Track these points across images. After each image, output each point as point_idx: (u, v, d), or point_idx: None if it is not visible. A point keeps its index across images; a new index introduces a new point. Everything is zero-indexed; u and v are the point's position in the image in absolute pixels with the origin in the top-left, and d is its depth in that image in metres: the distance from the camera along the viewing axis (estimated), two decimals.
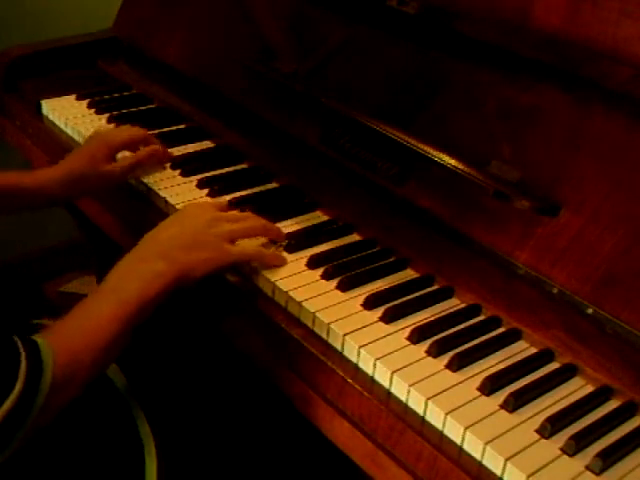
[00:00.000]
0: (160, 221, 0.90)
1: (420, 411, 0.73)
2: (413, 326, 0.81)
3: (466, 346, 0.79)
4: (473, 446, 0.69)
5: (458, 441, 0.70)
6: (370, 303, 0.84)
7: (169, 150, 1.16)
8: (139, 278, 0.80)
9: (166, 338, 1.04)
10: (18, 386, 0.67)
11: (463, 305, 0.86)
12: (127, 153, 1.11)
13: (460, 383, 0.75)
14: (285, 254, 0.91)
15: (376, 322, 0.82)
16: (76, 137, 1.23)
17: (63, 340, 0.74)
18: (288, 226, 0.98)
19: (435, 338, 0.79)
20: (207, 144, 1.21)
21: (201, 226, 0.87)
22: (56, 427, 0.82)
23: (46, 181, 1.04)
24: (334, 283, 0.87)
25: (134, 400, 0.89)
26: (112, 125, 1.25)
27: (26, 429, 0.69)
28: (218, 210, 0.92)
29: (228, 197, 1.04)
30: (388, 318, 0.82)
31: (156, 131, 1.23)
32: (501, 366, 0.77)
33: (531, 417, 0.71)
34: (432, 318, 0.83)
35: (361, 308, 0.83)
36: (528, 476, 0.65)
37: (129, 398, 0.89)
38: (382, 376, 0.76)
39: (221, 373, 1.01)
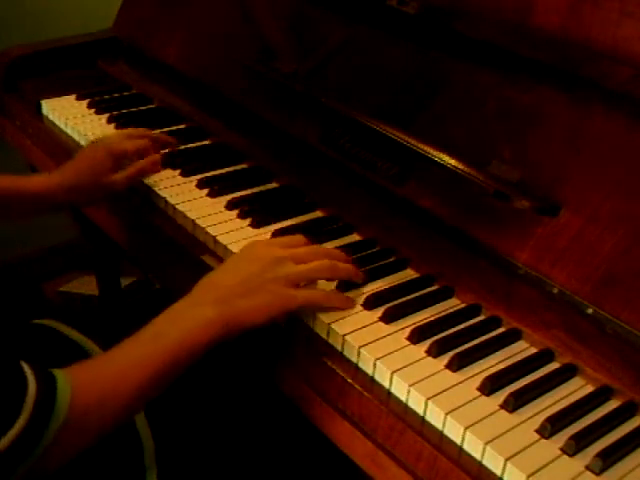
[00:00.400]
0: (160, 221, 0.90)
1: (420, 411, 0.73)
2: (413, 326, 0.81)
3: (466, 346, 0.79)
4: (473, 446, 0.69)
5: (458, 441, 0.70)
6: (370, 303, 0.84)
7: (169, 150, 1.16)
8: (184, 324, 0.74)
9: None
10: (20, 422, 0.62)
11: (463, 305, 0.86)
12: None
13: (460, 383, 0.75)
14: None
15: (376, 322, 0.82)
16: (76, 137, 1.23)
17: (89, 378, 0.69)
18: (288, 226, 0.98)
19: (435, 338, 0.79)
20: (207, 144, 1.21)
21: (261, 269, 0.79)
22: None
23: (47, 187, 1.02)
24: (334, 284, 0.87)
25: None
26: (112, 125, 1.25)
27: (24, 470, 0.63)
28: (283, 247, 0.83)
29: (228, 197, 1.04)
30: (388, 318, 0.82)
31: (156, 131, 1.23)
32: (501, 366, 0.77)
33: (531, 417, 0.71)
34: (432, 318, 0.83)
35: (361, 308, 0.83)
36: (528, 476, 0.65)
37: None
38: (382, 376, 0.76)
39: (220, 372, 1.01)
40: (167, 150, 1.16)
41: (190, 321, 0.74)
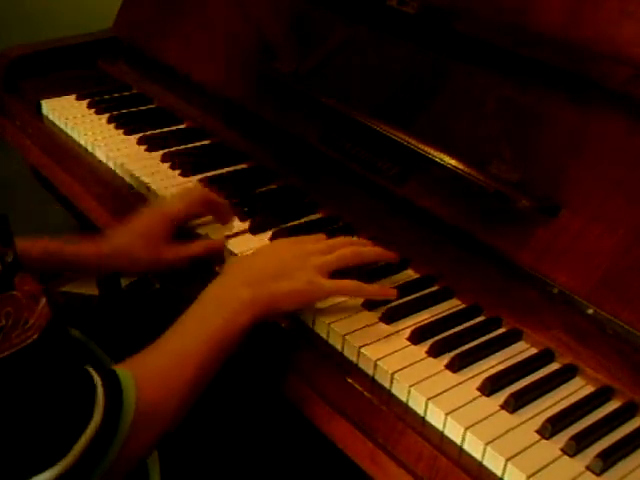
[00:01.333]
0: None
1: (420, 411, 0.73)
2: (413, 327, 0.81)
3: (466, 347, 0.79)
4: (473, 446, 0.69)
5: (458, 441, 0.70)
6: (370, 303, 0.84)
7: (169, 150, 1.16)
8: (225, 308, 0.75)
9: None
10: (94, 421, 0.62)
11: (463, 305, 0.86)
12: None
13: (460, 384, 0.75)
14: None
15: (376, 322, 0.82)
16: (76, 137, 1.23)
17: (147, 374, 0.69)
18: (288, 226, 0.98)
19: (435, 339, 0.79)
20: (207, 144, 1.21)
21: (290, 257, 0.80)
22: None
23: (90, 256, 0.93)
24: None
25: None
26: (112, 125, 1.25)
27: (101, 471, 0.63)
28: (314, 242, 0.85)
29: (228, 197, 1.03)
30: (388, 319, 0.82)
31: (156, 131, 1.23)
32: (501, 367, 0.77)
33: (531, 417, 0.71)
34: (432, 319, 0.83)
35: (361, 309, 0.83)
36: (528, 476, 0.65)
37: None
38: (382, 376, 0.76)
39: (220, 371, 1.01)
40: (165, 150, 1.16)
41: (230, 305, 0.75)
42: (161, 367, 0.71)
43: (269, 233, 0.96)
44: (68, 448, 0.62)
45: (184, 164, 1.12)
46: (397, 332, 0.81)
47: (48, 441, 0.62)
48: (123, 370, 0.68)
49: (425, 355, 0.78)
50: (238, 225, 0.98)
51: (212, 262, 0.92)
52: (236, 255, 0.91)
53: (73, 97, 1.34)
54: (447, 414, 0.70)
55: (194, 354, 0.72)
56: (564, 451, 0.68)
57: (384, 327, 0.81)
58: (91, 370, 0.66)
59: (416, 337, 0.79)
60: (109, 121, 1.26)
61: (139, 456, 0.69)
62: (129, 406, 0.65)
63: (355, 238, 0.90)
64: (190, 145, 1.20)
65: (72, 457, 0.62)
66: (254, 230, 0.97)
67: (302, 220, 1.00)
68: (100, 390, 0.64)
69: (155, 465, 0.84)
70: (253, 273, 0.78)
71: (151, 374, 0.70)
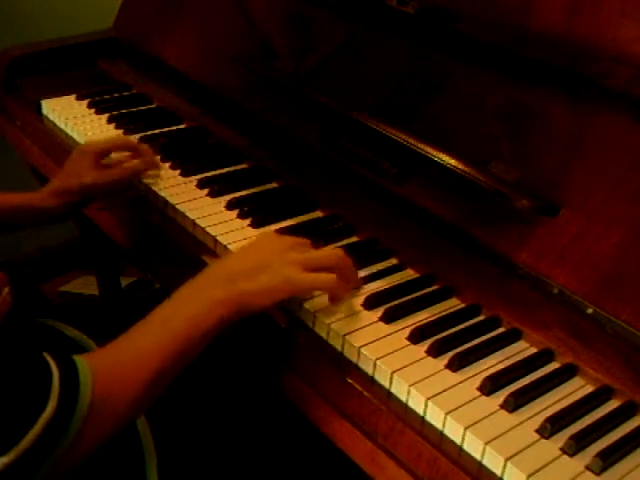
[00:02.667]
0: (160, 221, 0.90)
1: (420, 411, 0.73)
2: (413, 326, 0.81)
3: (466, 346, 0.79)
4: (473, 446, 0.69)
5: (458, 441, 0.70)
6: (370, 303, 0.84)
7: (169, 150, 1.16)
8: (193, 308, 0.75)
9: None
10: (49, 409, 0.63)
11: (463, 305, 0.86)
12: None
13: (460, 383, 0.75)
14: None
15: (376, 322, 0.82)
16: (76, 137, 1.23)
17: (105, 367, 0.70)
18: (288, 226, 0.98)
19: (435, 338, 0.79)
20: (207, 144, 1.21)
21: (269, 253, 0.79)
22: None
23: (41, 199, 1.05)
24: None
25: None
26: (112, 125, 1.25)
27: (54, 459, 0.64)
28: (295, 242, 0.84)
29: (228, 197, 1.04)
30: (388, 318, 0.82)
31: (156, 131, 1.23)
32: (501, 366, 0.77)
33: (531, 417, 0.71)
34: (432, 318, 0.83)
35: (361, 308, 0.83)
36: (528, 476, 0.65)
37: None
38: (382, 376, 0.76)
39: (220, 371, 1.01)
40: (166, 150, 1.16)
41: (198, 303, 0.75)
42: (119, 362, 0.71)
43: None
44: (23, 434, 0.62)
45: (184, 164, 1.12)
46: (397, 332, 0.81)
47: (2, 427, 0.62)
48: (82, 360, 0.68)
49: (425, 355, 0.78)
50: (238, 223, 0.98)
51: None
52: (230, 250, 0.92)
53: (73, 97, 1.34)
54: (447, 414, 0.70)
55: (154, 353, 0.72)
56: (564, 451, 0.68)
57: (384, 327, 0.81)
58: (49, 358, 0.66)
59: (416, 337, 0.79)
60: (109, 121, 1.26)
61: (91, 448, 0.68)
62: (84, 396, 0.65)
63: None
64: (190, 145, 1.20)
65: (26, 443, 0.62)
66: (254, 228, 0.97)
67: (302, 220, 1.00)
68: (56, 381, 0.64)
69: (152, 463, 0.85)
70: (226, 273, 0.78)
71: (108, 367, 0.70)
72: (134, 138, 1.20)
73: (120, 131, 1.23)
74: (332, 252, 0.82)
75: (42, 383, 0.64)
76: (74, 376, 0.66)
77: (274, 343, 0.84)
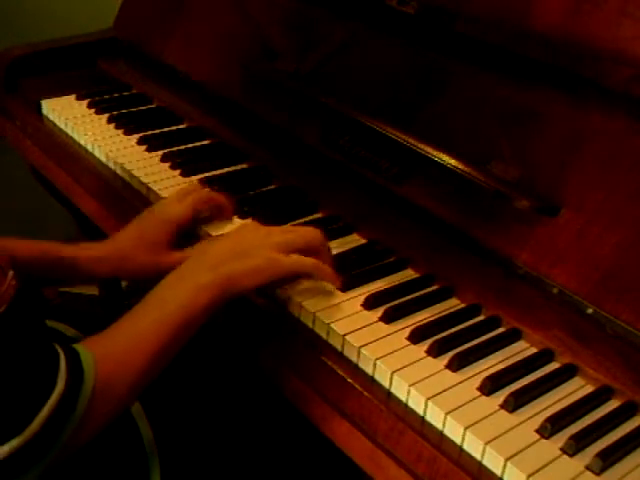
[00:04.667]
0: None
1: (420, 411, 0.73)
2: (413, 326, 0.81)
3: (466, 346, 0.79)
4: (473, 446, 0.69)
5: (458, 441, 0.70)
6: (370, 303, 0.84)
7: (169, 150, 1.16)
8: (183, 292, 0.77)
9: None
10: (58, 389, 0.65)
11: (463, 305, 0.86)
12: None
13: (460, 383, 0.75)
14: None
15: (376, 322, 0.82)
16: (76, 137, 1.23)
17: (103, 351, 0.72)
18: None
19: (435, 338, 0.79)
20: (207, 144, 1.21)
21: (252, 237, 0.83)
22: None
23: (90, 260, 0.93)
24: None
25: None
26: (112, 125, 1.25)
27: (65, 439, 0.66)
28: (276, 228, 0.87)
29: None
30: (388, 318, 0.82)
31: (156, 131, 1.23)
32: (501, 366, 0.77)
33: (531, 417, 0.71)
34: (432, 318, 0.83)
35: (361, 308, 0.83)
36: (528, 476, 0.65)
37: None
38: (382, 376, 0.76)
39: (220, 368, 1.01)
40: (165, 150, 1.16)
41: (188, 288, 0.78)
42: (117, 347, 0.74)
43: None
44: (32, 416, 0.64)
45: (184, 164, 1.12)
46: (397, 332, 0.81)
47: (13, 410, 0.63)
48: (83, 348, 0.70)
49: (425, 354, 0.78)
50: (238, 223, 0.98)
51: None
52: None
53: (73, 97, 1.34)
54: (447, 414, 0.70)
55: (151, 336, 0.75)
56: (564, 450, 0.68)
57: (384, 327, 0.81)
58: (56, 345, 0.68)
59: (416, 337, 0.79)
60: (109, 121, 1.26)
61: (96, 429, 0.70)
62: (88, 381, 0.68)
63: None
64: (190, 145, 1.20)
65: (36, 425, 0.64)
66: None
67: (302, 220, 1.00)
68: (63, 364, 0.66)
69: (155, 462, 0.85)
70: (213, 257, 0.81)
71: (109, 352, 0.72)
72: (134, 138, 1.20)
73: (120, 131, 1.23)
74: (312, 235, 0.86)
75: (51, 368, 0.66)
76: (78, 363, 0.68)
77: (274, 343, 0.84)
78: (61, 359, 0.67)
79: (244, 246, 0.82)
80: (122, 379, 0.72)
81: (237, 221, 0.99)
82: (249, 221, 0.97)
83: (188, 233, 0.96)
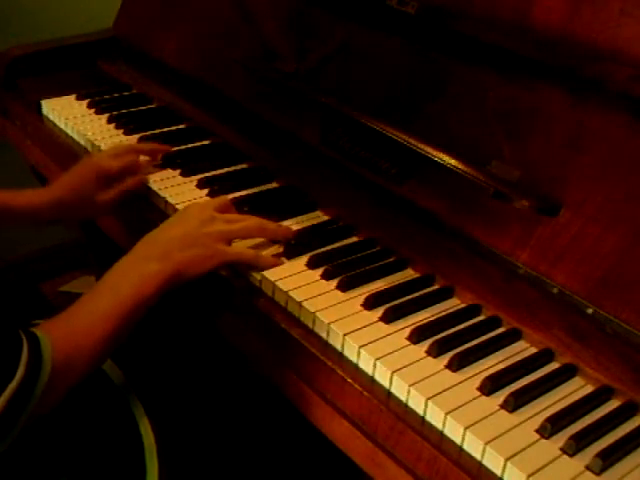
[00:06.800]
0: (160, 221, 0.90)
1: (420, 411, 0.73)
2: (413, 326, 0.81)
3: (466, 346, 0.79)
4: (473, 446, 0.69)
5: (458, 441, 0.70)
6: (370, 303, 0.84)
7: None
8: (135, 278, 0.83)
9: (164, 335, 1.04)
10: (19, 375, 0.70)
11: (463, 305, 0.86)
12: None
13: (460, 383, 0.75)
14: (283, 260, 0.91)
15: (376, 322, 0.82)
16: (76, 137, 1.23)
17: (61, 335, 0.76)
18: (288, 226, 0.98)
19: (435, 338, 0.79)
20: (207, 144, 1.21)
21: (197, 226, 0.88)
22: (56, 427, 0.82)
23: (34, 205, 1.04)
24: (334, 283, 0.87)
25: (133, 396, 0.89)
26: (112, 125, 1.25)
27: (25, 417, 0.71)
28: (220, 210, 0.93)
29: (228, 197, 1.03)
30: (388, 318, 0.82)
31: (156, 131, 1.23)
32: (501, 366, 0.77)
33: (531, 417, 0.71)
34: (432, 318, 0.83)
35: (361, 308, 0.83)
36: (528, 476, 0.65)
37: (127, 394, 0.90)
38: (382, 376, 0.76)
39: (221, 369, 1.01)
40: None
41: (138, 275, 0.83)
42: (74, 330, 0.78)
43: None
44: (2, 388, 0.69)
45: (184, 164, 1.12)
46: (397, 332, 0.81)
47: None
48: (41, 332, 0.75)
49: (425, 354, 0.78)
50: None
51: None
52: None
53: (73, 97, 1.34)
54: (447, 413, 0.70)
55: (106, 320, 0.79)
56: (564, 450, 0.68)
57: (384, 327, 0.81)
58: (21, 333, 0.73)
59: (416, 337, 0.79)
60: (109, 121, 1.26)
61: (55, 402, 0.76)
62: (46, 366, 0.72)
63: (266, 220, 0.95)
64: (190, 145, 1.20)
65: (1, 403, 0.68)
66: None
67: (302, 220, 1.00)
68: (25, 351, 0.71)
69: (153, 462, 0.85)
70: (159, 247, 0.86)
71: (67, 336, 0.77)
72: (134, 138, 1.20)
73: (120, 131, 1.23)
74: (252, 224, 0.92)
75: (15, 353, 0.71)
76: (37, 347, 0.73)
77: (273, 343, 0.84)
78: (24, 346, 0.71)
79: (190, 234, 0.87)
80: (79, 360, 0.77)
81: None
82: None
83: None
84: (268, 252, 0.92)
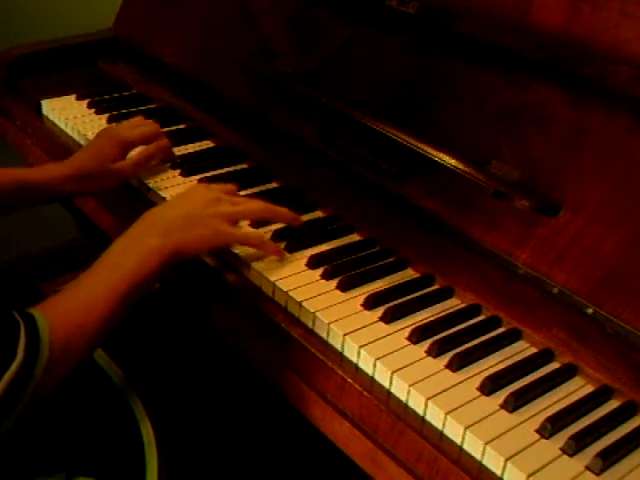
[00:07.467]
0: None
1: (420, 411, 0.73)
2: (413, 326, 0.81)
3: (466, 346, 0.79)
4: (473, 446, 0.69)
5: (458, 441, 0.70)
6: (370, 303, 0.84)
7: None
8: (135, 256, 0.81)
9: (164, 333, 1.04)
10: (18, 359, 0.69)
11: (463, 305, 0.86)
12: (137, 148, 1.10)
13: (460, 383, 0.75)
14: (285, 254, 0.91)
15: (376, 322, 0.82)
16: (76, 137, 1.23)
17: (60, 315, 0.76)
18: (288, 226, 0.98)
19: (435, 338, 0.79)
20: (207, 144, 1.21)
21: (202, 205, 0.87)
22: (56, 423, 0.82)
23: (54, 177, 1.03)
24: (334, 283, 0.87)
25: (133, 394, 0.89)
26: (112, 125, 1.25)
27: (25, 400, 0.70)
28: (225, 193, 0.92)
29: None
30: (388, 318, 0.82)
31: None
32: (501, 366, 0.77)
33: (531, 417, 0.71)
34: (432, 318, 0.83)
35: (361, 308, 0.84)
36: (528, 476, 0.65)
37: (127, 393, 0.90)
38: (382, 376, 0.76)
39: (220, 366, 1.01)
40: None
41: (139, 253, 0.82)
42: (74, 310, 0.77)
43: (269, 233, 0.96)
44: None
45: (184, 164, 1.12)
46: (397, 332, 0.81)
47: None
48: (39, 313, 0.74)
49: (425, 354, 0.78)
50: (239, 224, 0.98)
51: None
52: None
53: (73, 97, 1.34)
54: (447, 413, 0.70)
55: (105, 299, 0.78)
56: (564, 450, 0.68)
57: (384, 327, 0.81)
58: (16, 315, 0.72)
59: (416, 337, 0.79)
60: (109, 121, 1.26)
61: (56, 383, 0.75)
62: (44, 349, 0.71)
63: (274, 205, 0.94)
64: (190, 145, 1.20)
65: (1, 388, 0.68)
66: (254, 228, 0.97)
67: (302, 220, 1.00)
68: (23, 333, 0.70)
69: (152, 458, 0.85)
70: (163, 223, 0.85)
71: (66, 316, 0.76)
72: None
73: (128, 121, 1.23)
74: (258, 206, 0.92)
75: (13, 337, 0.70)
76: (35, 329, 0.72)
77: (273, 343, 0.84)
78: (21, 329, 0.70)
79: (194, 213, 0.86)
80: (79, 340, 0.76)
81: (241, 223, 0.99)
82: (266, 229, 0.97)
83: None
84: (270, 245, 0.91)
